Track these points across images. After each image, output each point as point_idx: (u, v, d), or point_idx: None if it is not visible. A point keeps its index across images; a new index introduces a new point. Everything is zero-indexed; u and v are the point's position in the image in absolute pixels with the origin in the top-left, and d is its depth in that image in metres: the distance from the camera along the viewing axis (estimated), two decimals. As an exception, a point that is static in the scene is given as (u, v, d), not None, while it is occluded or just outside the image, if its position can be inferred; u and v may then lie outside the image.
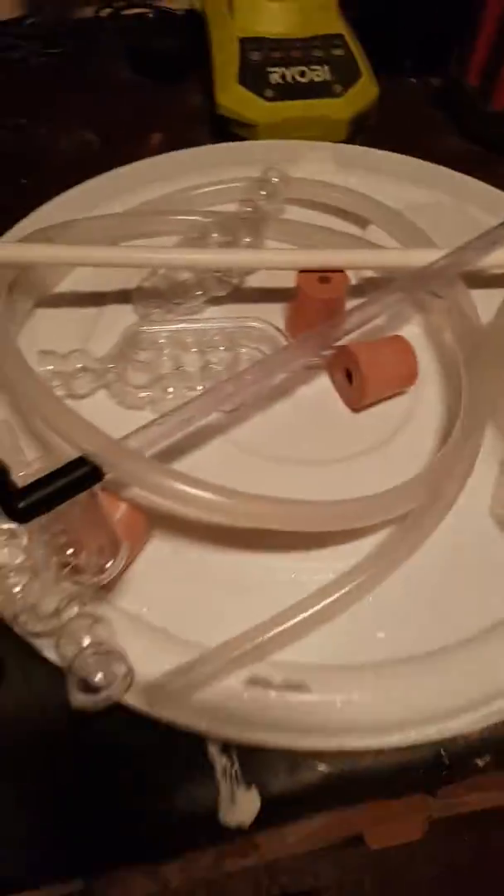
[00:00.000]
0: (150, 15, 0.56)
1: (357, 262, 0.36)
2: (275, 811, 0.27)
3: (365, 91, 0.48)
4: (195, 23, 0.54)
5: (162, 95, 0.54)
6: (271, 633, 0.25)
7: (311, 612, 0.26)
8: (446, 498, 0.28)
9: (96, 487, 0.26)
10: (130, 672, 0.23)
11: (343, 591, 0.26)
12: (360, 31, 0.56)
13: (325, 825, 0.76)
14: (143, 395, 0.33)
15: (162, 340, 0.35)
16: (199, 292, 0.37)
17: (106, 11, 0.56)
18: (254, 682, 0.26)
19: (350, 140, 0.50)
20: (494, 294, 0.37)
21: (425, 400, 0.35)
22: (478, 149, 0.52)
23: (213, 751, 0.27)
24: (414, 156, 0.51)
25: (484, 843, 0.94)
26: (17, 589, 0.26)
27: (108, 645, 0.23)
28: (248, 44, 0.47)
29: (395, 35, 0.57)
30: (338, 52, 0.48)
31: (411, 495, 0.28)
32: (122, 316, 0.37)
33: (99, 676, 0.22)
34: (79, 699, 0.23)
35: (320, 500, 0.27)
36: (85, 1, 0.58)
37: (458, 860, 0.93)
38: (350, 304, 0.35)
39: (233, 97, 0.47)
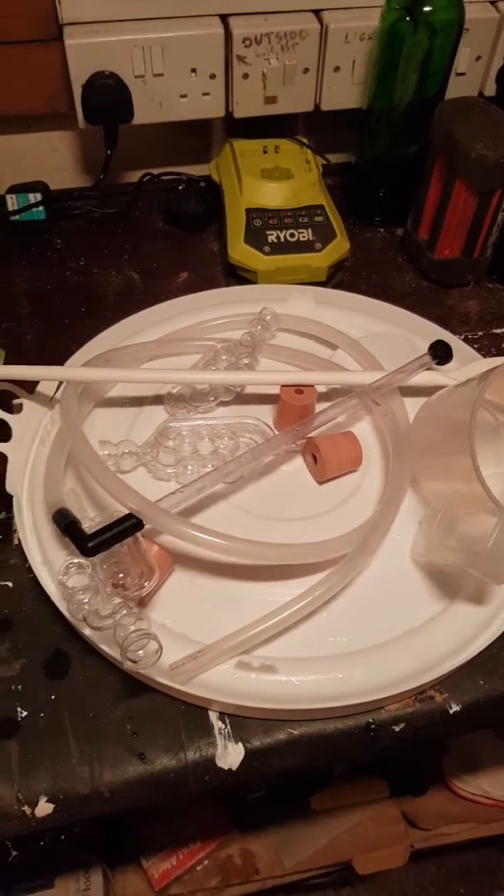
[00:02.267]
0: (181, 181, 0.74)
1: (321, 380, 0.50)
2: (257, 759, 0.38)
3: (339, 247, 0.64)
4: (213, 188, 0.72)
5: (188, 243, 0.71)
6: (250, 633, 0.38)
7: (276, 619, 0.38)
8: (373, 545, 0.42)
9: (138, 534, 0.39)
10: (160, 649, 0.36)
11: (299, 605, 0.39)
12: (343, 194, 0.74)
13: (318, 853, 0.88)
14: (170, 471, 0.47)
15: (184, 432, 0.49)
16: (212, 398, 0.52)
17: (147, 177, 0.74)
18: (240, 666, 0.39)
19: (330, 279, 0.66)
20: (421, 401, 0.51)
21: (370, 476, 0.49)
22: (428, 284, 0.68)
23: (213, 716, 0.39)
24: (381, 289, 0.67)
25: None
26: (85, 600, 0.39)
27: (145, 630, 0.36)
28: (252, 213, 0.64)
29: (368, 198, 0.74)
30: (319, 219, 0.64)
31: (346, 542, 0.41)
32: (157, 414, 0.51)
33: (140, 650, 0.35)
34: (128, 665, 0.35)
35: (290, 544, 0.41)
36: (131, 167, 0.76)
37: None
38: (320, 406, 0.49)
39: (240, 252, 0.63)
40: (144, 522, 0.39)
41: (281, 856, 0.84)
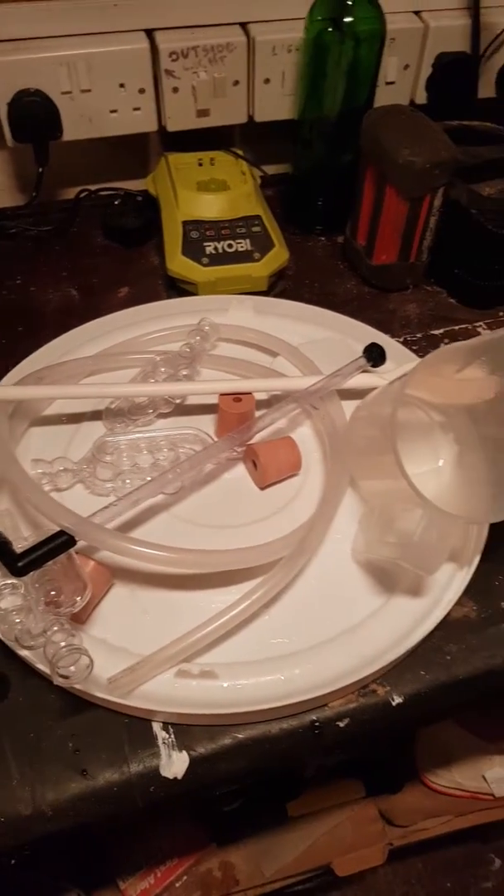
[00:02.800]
0: (118, 196, 0.74)
1: (257, 387, 0.51)
2: (202, 766, 0.38)
3: (277, 256, 0.65)
4: (152, 202, 0.72)
5: (128, 258, 0.71)
6: (188, 642, 0.38)
7: (213, 626, 0.39)
8: (311, 546, 0.42)
9: (71, 551, 0.39)
10: (91, 663, 0.36)
11: (236, 611, 0.39)
12: (283, 205, 0.75)
13: (297, 859, 0.88)
14: (108, 485, 0.47)
15: (123, 446, 0.49)
16: (151, 410, 0.52)
17: (84, 194, 0.74)
18: (180, 674, 0.39)
19: (272, 288, 0.67)
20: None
21: (311, 480, 0.49)
22: (369, 290, 0.69)
23: (157, 727, 0.39)
24: (323, 296, 0.68)
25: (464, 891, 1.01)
26: (17, 620, 0.38)
27: (76, 646, 0.36)
28: (188, 225, 0.64)
29: (308, 207, 0.75)
30: (256, 229, 0.65)
31: (283, 545, 0.42)
32: (95, 430, 0.51)
33: (72, 665, 0.35)
34: (59, 680, 0.35)
35: (226, 550, 0.41)
36: (68, 184, 0.76)
37: None
38: (260, 413, 0.50)
39: (178, 264, 0.63)
40: (77, 538, 0.39)
41: (261, 865, 0.83)
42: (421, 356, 0.58)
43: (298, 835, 0.86)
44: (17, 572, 0.37)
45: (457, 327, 0.65)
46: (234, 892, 0.84)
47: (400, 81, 0.72)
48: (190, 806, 0.81)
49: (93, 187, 0.75)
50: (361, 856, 0.85)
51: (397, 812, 0.88)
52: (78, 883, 0.77)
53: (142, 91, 0.66)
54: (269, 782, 0.81)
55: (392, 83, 0.72)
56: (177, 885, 0.83)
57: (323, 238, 0.75)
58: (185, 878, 0.83)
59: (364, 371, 0.53)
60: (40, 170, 0.68)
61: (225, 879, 0.84)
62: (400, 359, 0.55)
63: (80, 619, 0.41)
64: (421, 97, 0.74)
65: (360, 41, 0.62)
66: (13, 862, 0.39)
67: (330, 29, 0.61)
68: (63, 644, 0.35)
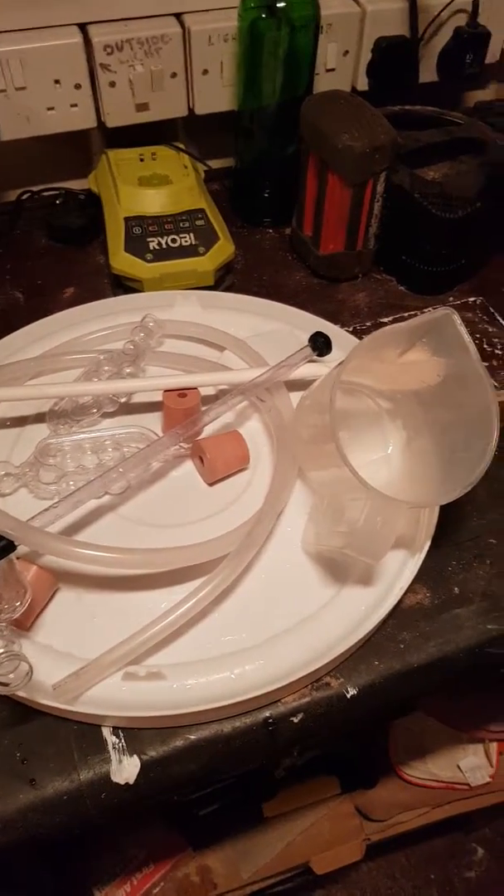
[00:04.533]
0: (60, 195, 0.73)
1: (202, 381, 0.50)
2: (154, 769, 0.37)
3: (222, 250, 0.64)
4: (95, 200, 0.71)
5: (73, 258, 0.69)
6: (133, 644, 0.37)
7: (159, 626, 0.38)
8: (257, 541, 0.41)
9: (11, 556, 0.38)
10: (30, 670, 0.34)
11: (182, 609, 0.38)
12: (229, 198, 0.74)
13: (274, 859, 0.87)
14: (52, 488, 0.46)
15: (66, 447, 0.48)
16: (95, 410, 0.51)
17: (26, 195, 0.73)
18: (127, 677, 0.38)
19: (220, 282, 0.66)
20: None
21: (260, 473, 0.48)
22: (318, 280, 0.68)
23: (106, 732, 0.38)
24: (273, 289, 0.67)
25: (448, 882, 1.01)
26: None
27: (14, 652, 0.34)
28: (131, 221, 0.63)
29: (254, 199, 0.74)
30: (200, 222, 0.64)
31: (229, 541, 0.41)
32: (39, 432, 0.50)
33: (10, 673, 0.34)
34: None
35: (172, 548, 0.40)
36: (9, 186, 0.74)
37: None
38: (207, 405, 0.49)
39: (122, 261, 0.62)
40: (17, 543, 0.38)
41: (238, 867, 0.83)
42: (369, 344, 0.58)
43: (275, 835, 0.85)
44: (-49, 581, 0.36)
45: (406, 314, 0.65)
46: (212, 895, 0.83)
47: (340, 68, 0.72)
48: (161, 811, 0.80)
49: (35, 188, 0.73)
50: (339, 852, 0.85)
51: (374, 806, 0.88)
52: (53, 894, 0.76)
53: (78, 87, 0.65)
54: (244, 784, 0.81)
55: (332, 70, 0.71)
56: (154, 891, 0.81)
57: (270, 230, 0.74)
58: (162, 884, 0.82)
59: (311, 361, 0.52)
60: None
61: (203, 884, 0.83)
62: (348, 348, 0.55)
63: (23, 625, 0.39)
64: (362, 83, 0.74)
65: (296, 28, 0.61)
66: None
67: (264, 16, 0.61)
68: (1, 651, 0.34)
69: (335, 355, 0.53)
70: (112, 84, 0.65)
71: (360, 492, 0.43)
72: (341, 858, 0.86)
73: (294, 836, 0.85)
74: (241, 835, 0.85)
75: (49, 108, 0.65)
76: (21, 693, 0.36)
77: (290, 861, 0.84)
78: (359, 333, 0.60)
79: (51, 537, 0.38)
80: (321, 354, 0.52)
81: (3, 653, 0.34)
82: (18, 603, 0.36)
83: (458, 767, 0.87)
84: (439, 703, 0.86)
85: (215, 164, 0.76)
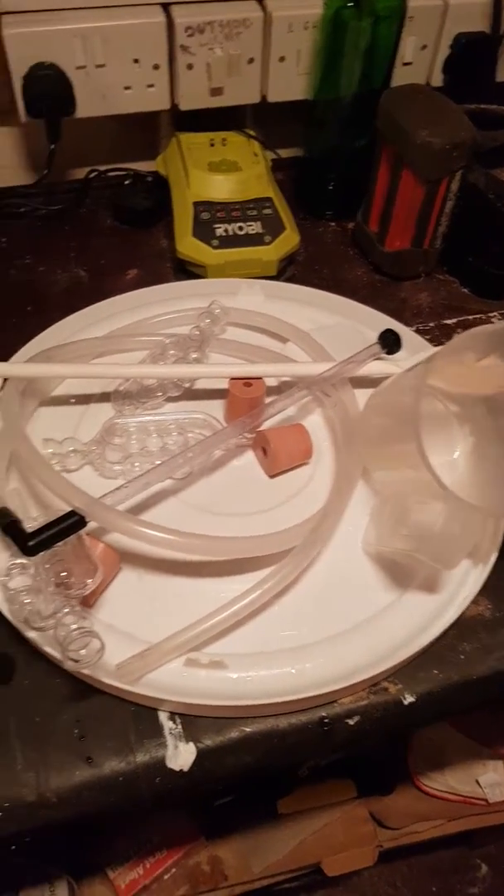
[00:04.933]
0: (128, 176, 0.73)
1: (269, 371, 0.50)
2: (209, 759, 0.37)
3: (288, 240, 0.63)
4: (161, 183, 0.70)
5: (137, 239, 0.69)
6: (198, 630, 0.37)
7: (224, 615, 0.37)
8: (322, 536, 0.41)
9: (82, 532, 0.38)
10: (102, 646, 0.34)
11: (248, 600, 0.38)
12: (293, 189, 0.74)
13: (286, 856, 0.87)
14: (117, 468, 0.46)
15: (132, 429, 0.48)
16: (160, 393, 0.51)
17: (93, 174, 0.72)
18: (189, 663, 0.38)
19: (281, 273, 0.66)
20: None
21: (321, 468, 0.48)
22: (379, 277, 0.68)
23: (163, 716, 0.38)
24: (333, 283, 0.66)
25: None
26: (27, 601, 0.37)
27: (87, 629, 0.34)
28: (199, 206, 0.63)
29: (319, 191, 0.73)
30: (267, 211, 0.64)
31: (295, 535, 0.40)
32: (103, 412, 0.50)
33: (82, 649, 0.34)
34: (69, 664, 0.34)
35: (238, 537, 0.40)
36: (77, 164, 0.74)
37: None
38: (269, 399, 0.49)
39: (188, 246, 0.62)
40: (87, 519, 0.38)
41: (249, 861, 0.82)
42: (435, 346, 0.57)
43: (288, 832, 0.85)
44: (28, 552, 0.35)
45: (470, 317, 0.64)
46: (221, 886, 0.83)
47: (417, 62, 0.71)
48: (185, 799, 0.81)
49: (102, 167, 0.73)
50: (351, 856, 0.85)
51: (388, 814, 0.87)
52: (68, 869, 0.76)
53: (156, 67, 0.64)
54: (261, 778, 0.80)
55: (409, 64, 0.70)
56: (165, 877, 0.82)
57: (333, 223, 0.73)
58: (173, 870, 0.82)
59: (377, 358, 0.51)
60: (52, 147, 0.66)
61: (213, 874, 0.83)
62: (415, 348, 0.54)
63: (87, 602, 0.39)
64: (437, 79, 0.73)
65: (380, 19, 0.61)
66: (13, 848, 0.38)
67: (349, 5, 0.60)
68: (74, 627, 0.34)
69: (400, 354, 0.53)
70: (190, 66, 0.65)
71: (426, 494, 0.43)
72: (353, 862, 0.85)
73: (306, 835, 0.85)
74: (254, 829, 0.85)
75: (126, 88, 0.65)
76: (85, 670, 0.36)
77: (301, 860, 0.84)
78: (422, 333, 0.60)
79: (124, 517, 0.38)
80: (390, 352, 0.51)
81: (76, 629, 0.34)
82: (90, 580, 0.36)
83: (477, 783, 0.86)
84: (467, 714, 0.85)
85: (281, 153, 0.75)
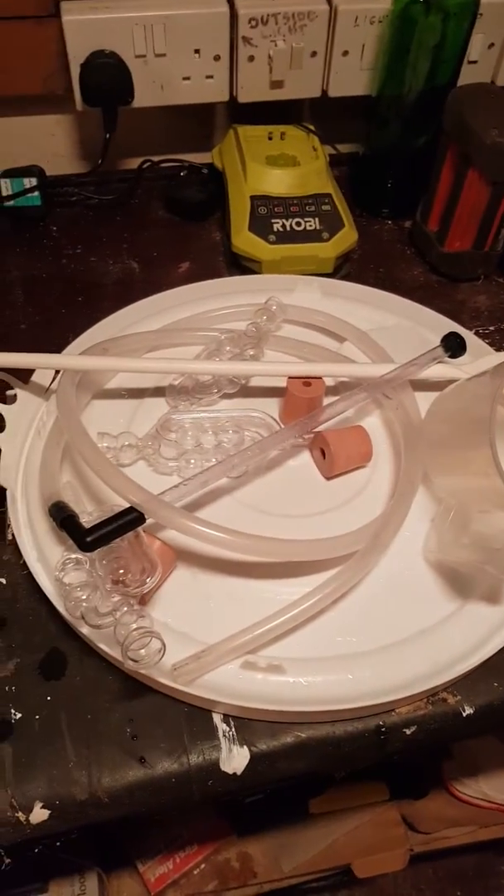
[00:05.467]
0: (182, 168, 0.72)
1: (330, 371, 0.49)
2: (262, 763, 0.37)
3: (346, 237, 0.62)
4: (215, 176, 0.70)
5: (190, 232, 0.69)
6: (257, 633, 0.36)
7: (284, 618, 0.37)
8: (384, 542, 0.40)
9: (139, 528, 0.37)
10: (163, 647, 0.34)
11: (308, 603, 0.37)
12: (349, 185, 0.72)
13: (316, 857, 0.86)
14: (172, 464, 0.45)
15: (187, 425, 0.47)
16: (216, 390, 0.50)
17: (146, 164, 0.72)
18: (246, 666, 0.37)
19: (337, 271, 0.65)
20: (433, 395, 0.49)
21: (380, 472, 0.47)
22: (437, 278, 0.66)
23: (217, 718, 0.37)
24: (388, 282, 0.65)
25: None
26: (83, 597, 0.37)
27: (148, 629, 0.34)
28: (256, 200, 0.62)
29: (376, 189, 0.72)
30: (326, 207, 0.62)
31: (357, 539, 0.39)
32: (157, 407, 0.49)
33: (142, 649, 0.33)
34: (129, 664, 0.34)
35: (298, 540, 0.39)
36: (131, 154, 0.74)
37: None
38: (327, 400, 0.48)
39: (244, 240, 0.61)
40: (146, 516, 0.37)
41: (279, 859, 0.82)
42: (496, 350, 0.56)
43: (318, 832, 0.84)
44: (86, 548, 0.35)
45: (530, 322, 0.62)
46: (250, 884, 0.83)
47: (483, 60, 0.69)
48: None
49: (155, 158, 0.72)
50: (382, 859, 0.84)
51: (420, 818, 0.86)
52: (98, 862, 0.77)
53: (217, 58, 0.63)
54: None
55: (475, 62, 0.68)
56: (195, 872, 0.82)
57: (389, 222, 0.72)
58: (203, 865, 0.82)
59: (440, 362, 0.50)
60: (107, 136, 0.65)
61: (243, 871, 0.83)
62: (476, 352, 0.53)
63: (143, 600, 0.39)
64: (502, 79, 0.71)
65: (450, 15, 0.59)
66: (58, 844, 0.37)
67: (420, 1, 0.58)
68: (134, 626, 0.33)
69: (462, 359, 0.51)
70: (251, 58, 0.64)
71: (490, 504, 0.41)
72: (384, 865, 0.84)
73: (337, 836, 0.84)
74: (285, 827, 0.84)
75: (185, 78, 0.64)
76: (143, 670, 0.35)
77: (331, 861, 0.84)
78: (482, 337, 0.58)
79: (183, 514, 0.38)
80: (454, 356, 0.50)
81: (136, 628, 0.33)
82: (149, 578, 0.36)
83: (512, 791, 0.85)
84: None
85: (339, 149, 0.74)
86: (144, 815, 0.37)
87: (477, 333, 0.59)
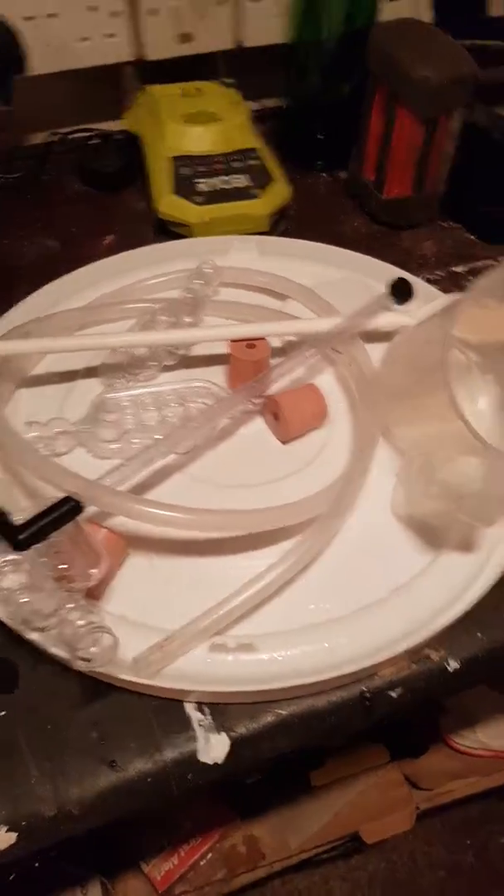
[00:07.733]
0: (94, 137, 0.68)
1: (273, 330, 0.46)
2: (244, 747, 0.34)
3: (278, 192, 0.59)
4: (131, 142, 0.66)
5: (111, 203, 0.65)
6: (222, 612, 0.34)
7: (249, 593, 0.34)
8: (347, 502, 0.38)
9: (79, 519, 0.34)
10: (116, 641, 0.31)
11: (274, 575, 0.35)
12: (278, 141, 0.69)
13: (323, 828, 0.84)
14: (113, 447, 0.42)
15: (125, 403, 0.44)
16: (154, 363, 0.47)
17: (56, 136, 0.67)
18: (214, 649, 0.34)
19: (274, 229, 0.61)
20: (382, 346, 0.47)
21: (338, 431, 0.44)
22: (378, 227, 0.63)
23: (190, 708, 0.35)
24: (330, 236, 0.62)
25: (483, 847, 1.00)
26: (24, 600, 0.34)
27: (97, 623, 0.31)
28: (178, 161, 0.59)
29: (306, 141, 0.69)
30: (253, 162, 0.59)
31: (319, 502, 0.37)
32: (91, 387, 0.46)
33: (93, 647, 0.31)
34: (80, 664, 0.31)
35: (256, 509, 0.37)
36: (34, 128, 0.69)
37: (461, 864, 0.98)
38: (274, 361, 0.45)
39: (169, 204, 0.57)
40: (84, 504, 0.34)
41: (286, 837, 0.81)
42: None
43: (323, 804, 0.83)
44: (19, 546, 0.32)
45: (480, 263, 0.60)
46: (260, 866, 0.82)
47: (403, -2, 0.66)
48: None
49: (63, 130, 0.68)
50: (390, 821, 0.83)
51: (422, 775, 0.86)
52: (99, 868, 0.74)
53: (115, 14, 0.59)
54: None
55: (395, 0, 0.65)
56: (201, 863, 0.80)
57: (324, 174, 0.69)
58: (209, 855, 0.80)
59: (388, 310, 0.48)
60: (3, 110, 0.61)
61: (250, 854, 0.81)
62: (425, 297, 0.50)
63: (94, 594, 0.36)
64: (426, 15, 0.68)
65: None
66: (36, 865, 0.35)
67: None
68: (81, 623, 0.31)
69: (411, 305, 0.49)
70: (153, 11, 0.60)
71: (453, 450, 0.39)
72: (392, 827, 0.84)
73: (342, 805, 0.83)
74: (289, 804, 0.83)
75: (83, 39, 0.60)
76: (99, 668, 0.32)
77: (338, 830, 0.83)
78: (433, 283, 0.56)
79: (126, 497, 0.35)
80: (401, 302, 0.47)
81: (83, 625, 0.30)
82: (94, 570, 0.33)
83: (510, 736, 0.85)
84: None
85: (261, 103, 0.71)
86: (123, 818, 0.34)
87: (427, 280, 0.57)
